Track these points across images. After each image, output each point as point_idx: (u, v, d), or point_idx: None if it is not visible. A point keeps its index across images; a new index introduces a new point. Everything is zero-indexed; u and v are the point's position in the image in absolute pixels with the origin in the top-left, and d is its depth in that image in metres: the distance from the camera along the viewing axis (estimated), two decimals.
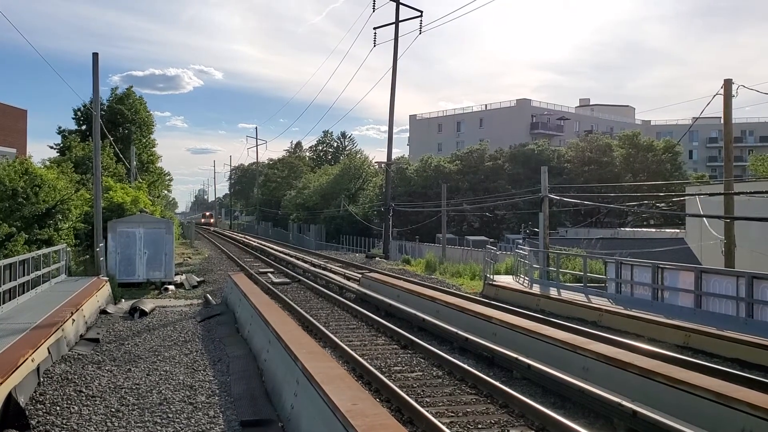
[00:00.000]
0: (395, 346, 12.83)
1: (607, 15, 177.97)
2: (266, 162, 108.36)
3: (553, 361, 10.20)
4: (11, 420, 7.72)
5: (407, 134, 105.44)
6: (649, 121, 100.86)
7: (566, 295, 18.37)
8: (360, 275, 23.99)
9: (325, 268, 28.35)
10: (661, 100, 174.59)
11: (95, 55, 23.24)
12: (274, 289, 21.01)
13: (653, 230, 47.88)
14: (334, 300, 19.30)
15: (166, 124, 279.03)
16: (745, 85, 21.20)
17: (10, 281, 14.22)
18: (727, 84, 21.18)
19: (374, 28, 40.16)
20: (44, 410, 8.56)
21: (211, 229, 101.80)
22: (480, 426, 7.87)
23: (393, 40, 38.67)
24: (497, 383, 9.28)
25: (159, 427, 7.88)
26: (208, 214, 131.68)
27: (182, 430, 7.80)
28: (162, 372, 10.80)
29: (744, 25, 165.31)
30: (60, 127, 44.39)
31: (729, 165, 22.50)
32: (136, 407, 8.74)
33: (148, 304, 18.24)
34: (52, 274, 18.37)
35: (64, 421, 8.12)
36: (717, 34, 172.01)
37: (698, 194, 29.19)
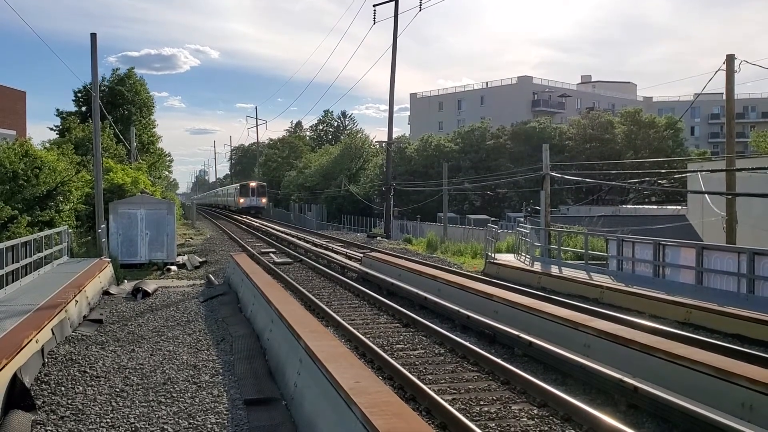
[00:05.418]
0: (397, 324, 12.88)
1: None
2: (266, 142, 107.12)
3: (555, 338, 10.24)
4: (17, 400, 7.77)
5: (407, 113, 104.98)
6: (651, 97, 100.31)
7: (567, 272, 18.40)
8: (361, 255, 24.02)
9: (326, 248, 28.40)
10: (662, 76, 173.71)
11: (93, 36, 23.06)
12: (276, 269, 21.07)
13: (655, 207, 47.82)
14: (336, 279, 19.34)
15: (164, 104, 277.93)
16: (747, 60, 20.99)
17: (13, 263, 14.26)
18: (730, 60, 20.95)
19: (373, 6, 39.64)
20: (49, 390, 8.63)
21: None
22: (482, 403, 7.92)
23: (393, 18, 38.34)
24: (499, 360, 9.33)
25: (163, 407, 7.93)
26: (253, 185, 63.86)
27: (186, 409, 7.85)
28: (166, 352, 10.86)
29: None
30: (59, 110, 44.35)
31: (731, 141, 22.40)
32: (140, 387, 8.80)
33: (150, 285, 18.31)
34: (54, 255, 18.41)
35: (69, 401, 8.18)
36: (719, 8, 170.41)
37: (700, 171, 29.12)
